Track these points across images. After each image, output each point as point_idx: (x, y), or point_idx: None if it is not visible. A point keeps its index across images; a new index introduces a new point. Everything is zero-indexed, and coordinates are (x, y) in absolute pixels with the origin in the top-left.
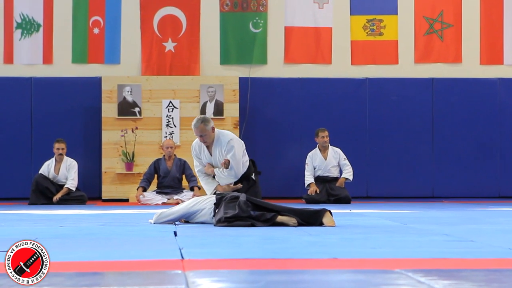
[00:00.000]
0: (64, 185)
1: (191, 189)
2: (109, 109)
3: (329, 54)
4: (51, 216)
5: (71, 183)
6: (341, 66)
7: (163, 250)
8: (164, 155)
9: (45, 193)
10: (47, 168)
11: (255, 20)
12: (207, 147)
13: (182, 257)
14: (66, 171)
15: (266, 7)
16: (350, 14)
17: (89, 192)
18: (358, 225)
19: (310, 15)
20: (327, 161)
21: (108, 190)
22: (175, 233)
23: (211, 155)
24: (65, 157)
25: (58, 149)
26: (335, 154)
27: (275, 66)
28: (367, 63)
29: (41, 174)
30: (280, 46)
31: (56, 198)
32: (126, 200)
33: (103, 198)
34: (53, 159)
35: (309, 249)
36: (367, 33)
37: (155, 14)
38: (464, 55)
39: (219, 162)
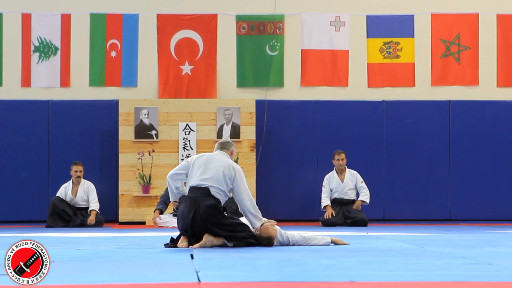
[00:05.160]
0: (81, 207)
1: None
2: (126, 132)
3: (346, 77)
4: (68, 239)
5: (96, 205)
6: (357, 89)
7: (180, 273)
8: None
9: (62, 216)
10: (64, 190)
11: (271, 43)
12: None
13: (199, 280)
14: (84, 194)
15: (282, 30)
16: (367, 37)
17: (106, 215)
18: (375, 248)
19: (326, 38)
20: (344, 183)
21: (125, 212)
22: (192, 256)
23: None
24: (83, 180)
25: (76, 171)
26: (352, 177)
27: (292, 89)
28: (384, 85)
29: (58, 197)
30: (296, 68)
31: (91, 221)
32: (143, 223)
33: (119, 221)
34: (70, 181)
35: (326, 272)
36: (383, 55)
37: (172, 37)
38: (481, 77)
39: None
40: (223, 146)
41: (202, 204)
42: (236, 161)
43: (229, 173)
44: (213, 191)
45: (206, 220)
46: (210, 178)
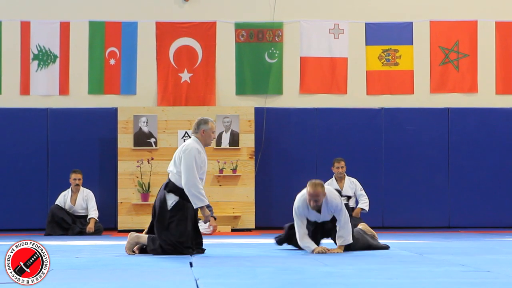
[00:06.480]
0: (80, 215)
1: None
2: (125, 140)
3: (345, 84)
4: (67, 247)
5: (95, 213)
6: (356, 96)
7: (179, 281)
8: None
9: (61, 224)
10: (63, 198)
11: (270, 51)
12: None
13: None
14: (83, 202)
15: (281, 37)
16: (366, 44)
17: (105, 222)
18: (374, 255)
19: (325, 46)
20: (343, 191)
21: (124, 220)
22: (191, 264)
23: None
24: (81, 188)
25: (74, 179)
26: (352, 184)
27: (291, 96)
28: (383, 93)
29: (57, 205)
30: (295, 76)
31: (90, 229)
32: (142, 231)
33: (119, 228)
34: (69, 189)
35: (325, 280)
36: (382, 63)
37: (171, 45)
38: (480, 84)
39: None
40: (193, 131)
41: (161, 189)
42: (235, 168)
43: (179, 155)
44: (170, 175)
45: (158, 203)
46: (171, 164)
